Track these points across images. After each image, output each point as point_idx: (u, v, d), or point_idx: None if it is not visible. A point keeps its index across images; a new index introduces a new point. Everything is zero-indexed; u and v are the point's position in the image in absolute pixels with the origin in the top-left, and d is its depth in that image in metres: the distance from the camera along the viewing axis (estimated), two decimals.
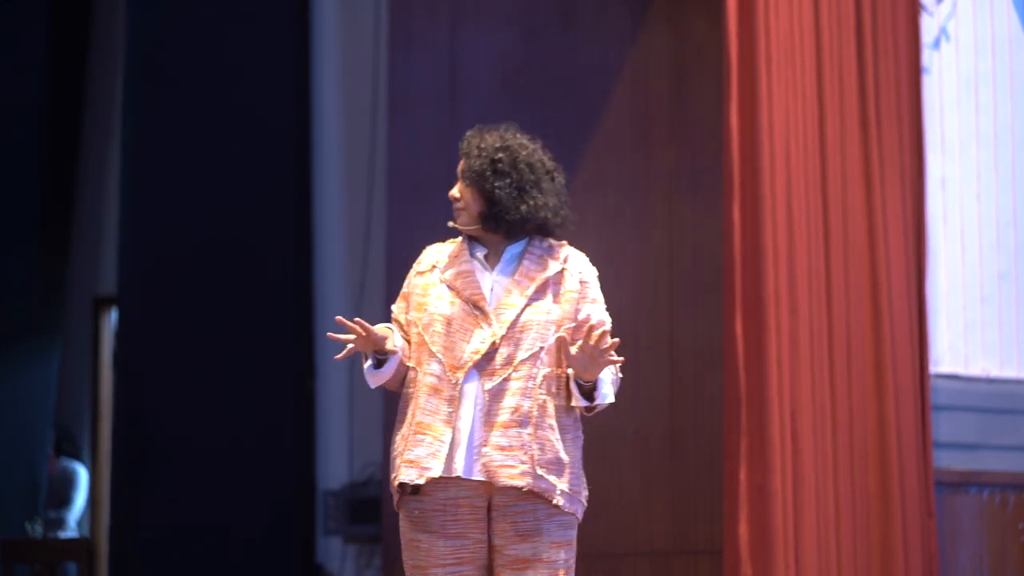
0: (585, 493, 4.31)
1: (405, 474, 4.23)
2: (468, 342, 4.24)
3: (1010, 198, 7.03)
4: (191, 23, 8.97)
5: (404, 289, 4.42)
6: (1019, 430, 6.91)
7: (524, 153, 4.34)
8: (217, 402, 8.68)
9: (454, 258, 4.37)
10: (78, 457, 9.67)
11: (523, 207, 4.30)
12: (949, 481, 6.63)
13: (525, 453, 4.18)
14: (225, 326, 8.76)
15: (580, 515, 4.30)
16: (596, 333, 4.11)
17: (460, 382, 4.22)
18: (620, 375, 4.34)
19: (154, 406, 8.79)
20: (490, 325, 4.24)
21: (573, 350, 4.15)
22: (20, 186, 9.34)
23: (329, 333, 4.26)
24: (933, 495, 6.44)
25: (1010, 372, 6.94)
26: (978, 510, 6.72)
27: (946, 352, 6.79)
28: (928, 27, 6.85)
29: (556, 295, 4.31)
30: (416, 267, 4.42)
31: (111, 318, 10.07)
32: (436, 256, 4.41)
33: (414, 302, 4.36)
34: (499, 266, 4.34)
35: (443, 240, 4.45)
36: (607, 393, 4.23)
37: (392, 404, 4.57)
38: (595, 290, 4.38)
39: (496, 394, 4.21)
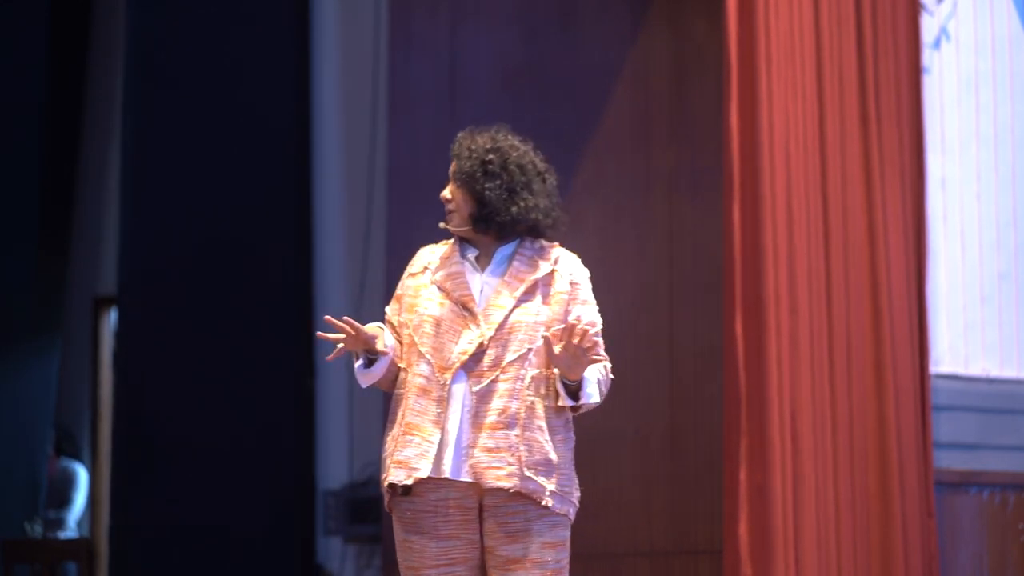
0: (577, 494, 4.31)
1: (394, 475, 4.24)
2: (456, 343, 4.24)
3: (1010, 198, 7.03)
4: (191, 23, 8.97)
5: (397, 291, 4.43)
6: (1019, 430, 6.91)
7: (515, 155, 4.34)
8: (217, 402, 8.68)
9: (445, 259, 4.37)
10: (78, 457, 9.67)
11: (513, 208, 4.30)
12: (949, 481, 6.63)
13: (512, 455, 4.18)
14: (225, 326, 8.76)
15: (572, 516, 4.29)
16: (578, 328, 4.11)
17: (448, 383, 4.23)
18: (612, 376, 4.34)
19: (154, 406, 8.79)
20: (478, 326, 4.25)
21: (557, 349, 4.15)
22: (20, 186, 9.35)
23: (319, 332, 4.26)
24: (933, 495, 6.44)
25: (1010, 372, 6.94)
26: (978, 510, 6.72)
27: (946, 352, 6.79)
28: (928, 27, 6.85)
29: (546, 296, 4.31)
30: (409, 269, 4.44)
31: (111, 318, 10.07)
32: (428, 258, 4.42)
33: (406, 304, 4.37)
34: (490, 267, 4.35)
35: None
36: (591, 392, 4.22)
37: None
38: (586, 291, 4.37)
39: (483, 395, 4.21)
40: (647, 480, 7.21)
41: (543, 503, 4.20)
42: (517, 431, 4.20)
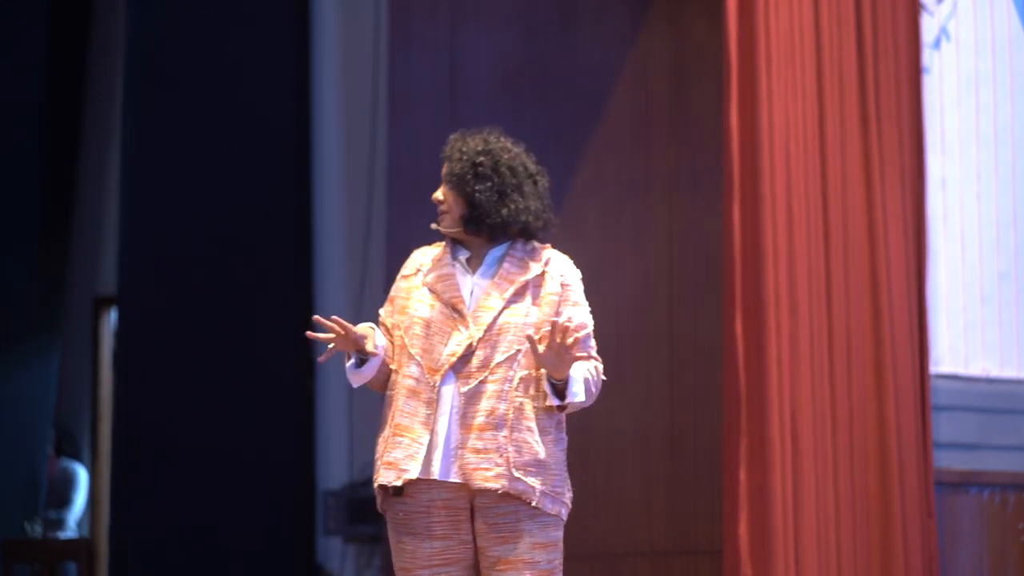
0: (570, 494, 4.30)
1: (384, 476, 4.25)
2: (446, 345, 4.25)
3: (1010, 198, 7.02)
4: (191, 23, 8.97)
5: (391, 293, 4.45)
6: (1019, 430, 6.91)
7: (506, 157, 4.34)
8: (217, 402, 8.68)
9: (437, 261, 4.38)
10: (78, 457, 9.68)
11: (504, 210, 4.30)
12: (949, 481, 6.63)
13: (500, 456, 4.19)
14: (225, 326, 8.76)
15: (564, 516, 4.29)
16: (559, 325, 4.11)
17: (438, 384, 4.23)
18: (604, 377, 4.35)
19: (154, 406, 8.78)
20: (467, 328, 4.25)
21: (541, 348, 4.15)
22: (20, 186, 9.34)
23: (308, 332, 4.26)
24: (933, 495, 6.44)
25: (1010, 372, 6.94)
26: (978, 510, 6.72)
27: (946, 352, 6.79)
28: (928, 27, 6.85)
29: (536, 298, 4.31)
30: (402, 271, 4.45)
31: (111, 318, 10.07)
32: (421, 260, 4.43)
33: (398, 305, 4.39)
34: (480, 269, 4.35)
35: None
36: (577, 392, 4.22)
37: None
38: (577, 293, 4.37)
39: (472, 397, 4.22)
40: (647, 480, 7.21)
41: (533, 503, 4.20)
42: (505, 432, 4.20)
